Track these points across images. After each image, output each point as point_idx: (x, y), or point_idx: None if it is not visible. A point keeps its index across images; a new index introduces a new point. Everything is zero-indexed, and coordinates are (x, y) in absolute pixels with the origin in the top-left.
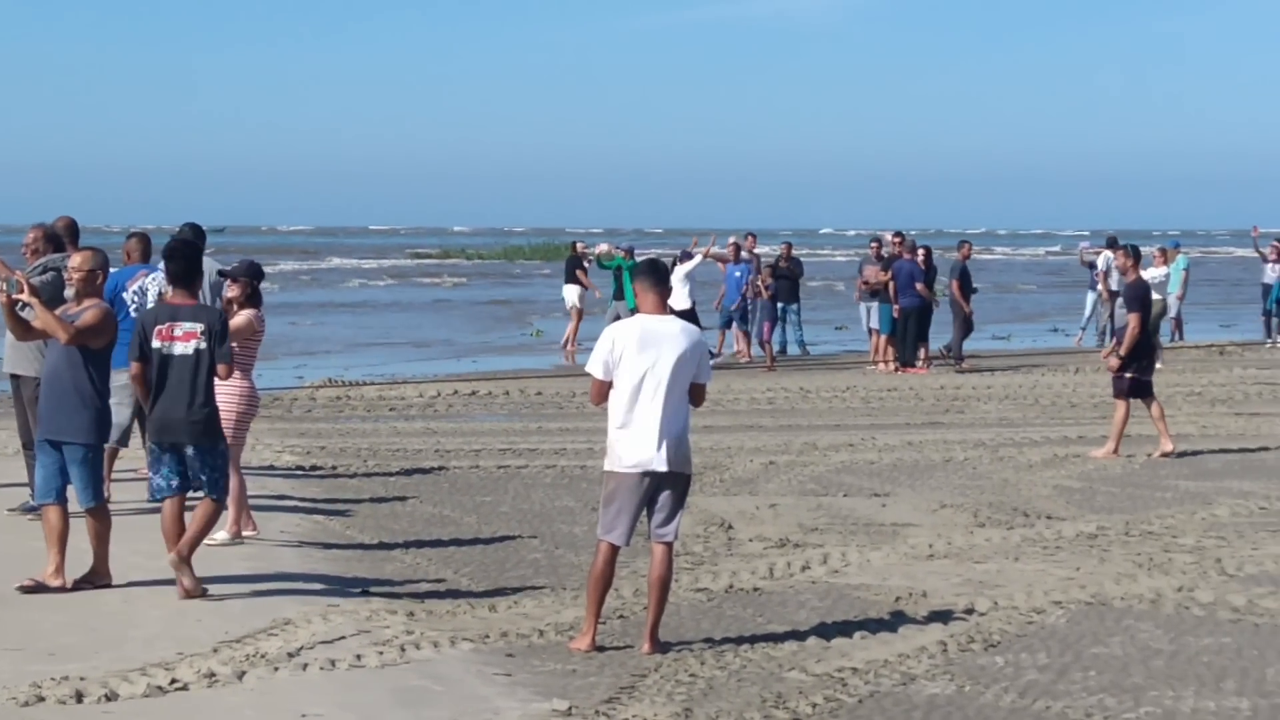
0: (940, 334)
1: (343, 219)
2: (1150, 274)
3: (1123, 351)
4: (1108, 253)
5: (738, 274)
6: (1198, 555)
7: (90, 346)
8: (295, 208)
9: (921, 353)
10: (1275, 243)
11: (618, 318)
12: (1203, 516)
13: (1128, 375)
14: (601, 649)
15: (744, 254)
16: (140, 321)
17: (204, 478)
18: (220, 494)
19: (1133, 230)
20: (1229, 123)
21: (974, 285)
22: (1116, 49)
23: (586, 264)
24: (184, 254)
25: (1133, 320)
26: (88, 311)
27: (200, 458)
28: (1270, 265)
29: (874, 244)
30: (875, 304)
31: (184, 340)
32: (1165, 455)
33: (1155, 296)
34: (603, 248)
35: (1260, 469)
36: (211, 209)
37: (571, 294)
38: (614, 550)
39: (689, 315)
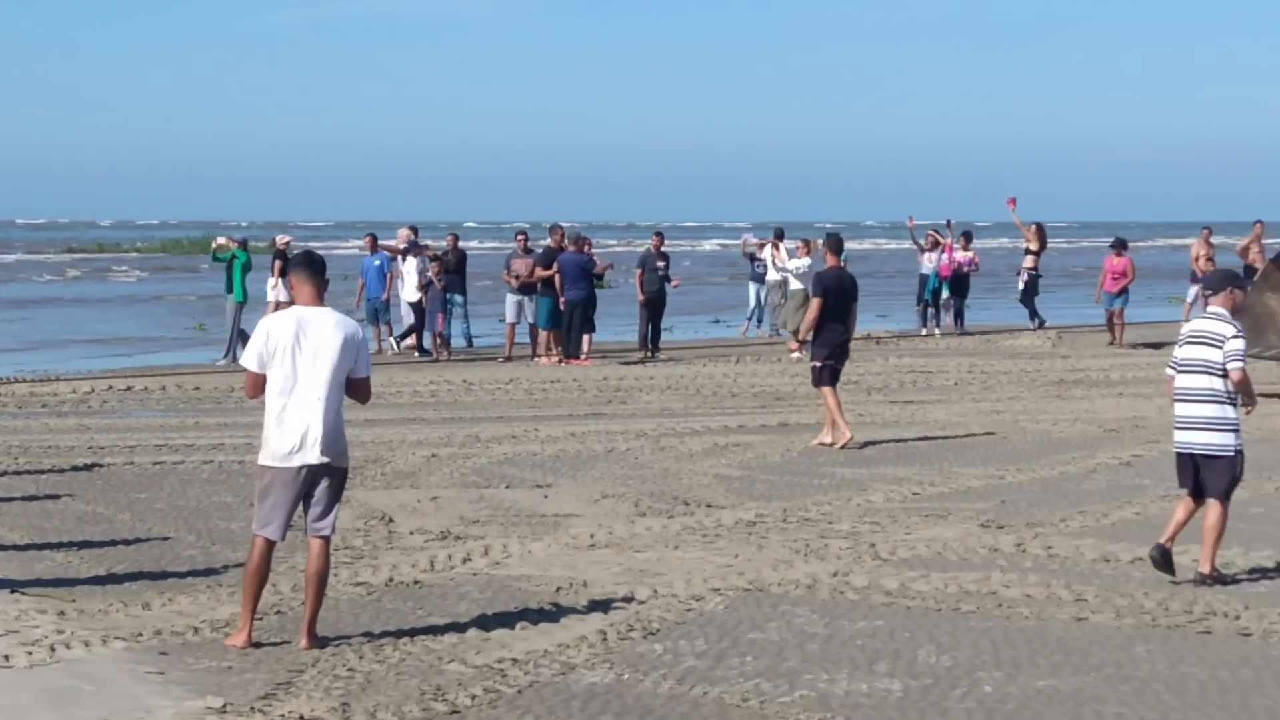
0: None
1: None
2: (794, 264)
3: (801, 335)
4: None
5: (376, 263)
6: (853, 541)
7: None
8: None
9: (585, 344)
10: (931, 233)
11: (237, 312)
12: (858, 503)
13: (819, 364)
14: (258, 645)
15: (403, 244)
16: None
17: None
18: None
19: (797, 222)
20: (876, 115)
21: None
22: (771, 40)
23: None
24: None
25: (813, 304)
26: None
27: None
28: (927, 256)
29: (520, 236)
30: (523, 298)
31: None
32: (825, 445)
33: (797, 286)
34: (220, 240)
35: (914, 456)
36: None
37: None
38: (270, 545)
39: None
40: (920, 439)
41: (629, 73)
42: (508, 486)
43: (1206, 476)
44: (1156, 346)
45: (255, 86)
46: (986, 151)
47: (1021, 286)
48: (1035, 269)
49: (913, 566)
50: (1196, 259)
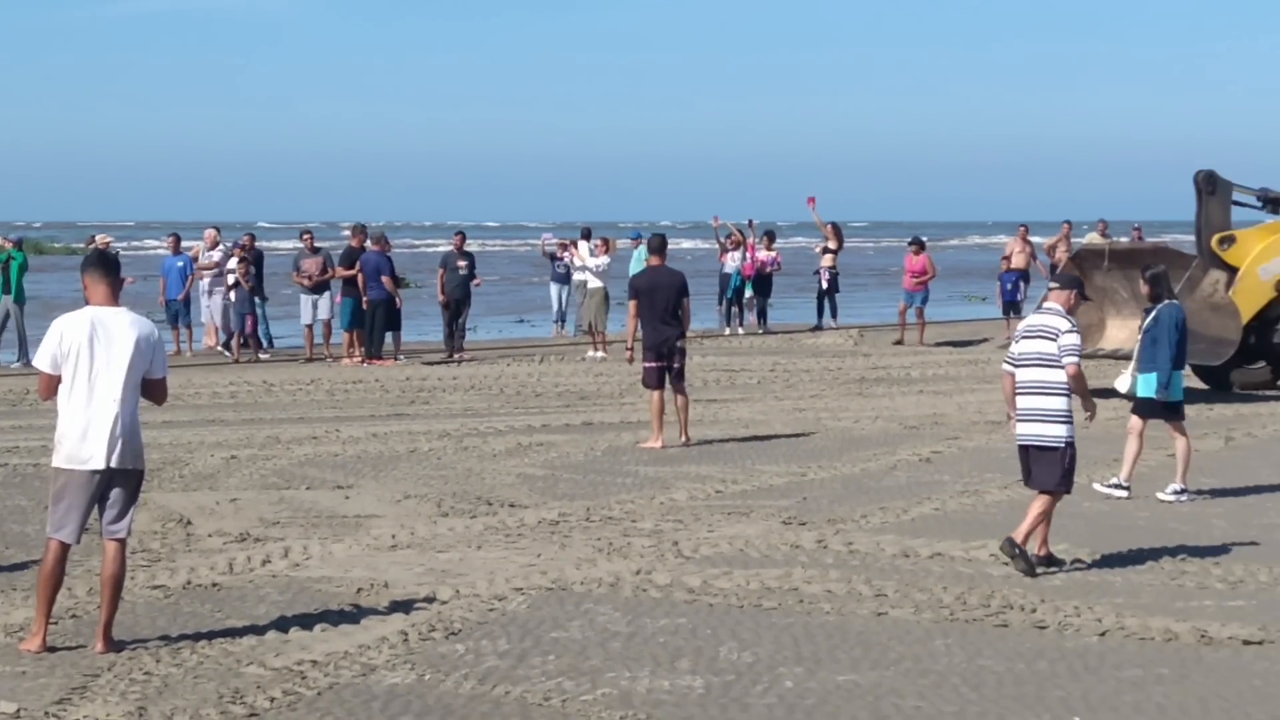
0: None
1: None
2: (594, 262)
3: (628, 343)
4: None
5: (179, 265)
6: (656, 539)
7: None
8: None
9: (392, 344)
10: (736, 233)
11: (7, 314)
12: (661, 501)
13: (647, 365)
14: (53, 649)
15: (210, 245)
16: None
17: None
18: None
19: (602, 222)
20: (676, 115)
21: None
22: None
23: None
24: None
25: (629, 307)
26: None
27: None
28: (730, 255)
29: (306, 235)
30: (316, 297)
31: None
32: (653, 447)
33: (596, 284)
34: None
35: (717, 454)
36: None
37: None
38: (64, 548)
39: None
40: (724, 439)
41: (429, 75)
42: (308, 488)
43: (1036, 468)
44: (960, 345)
45: (48, 81)
46: (787, 150)
47: (824, 285)
48: (834, 267)
49: (715, 564)
50: (1009, 256)
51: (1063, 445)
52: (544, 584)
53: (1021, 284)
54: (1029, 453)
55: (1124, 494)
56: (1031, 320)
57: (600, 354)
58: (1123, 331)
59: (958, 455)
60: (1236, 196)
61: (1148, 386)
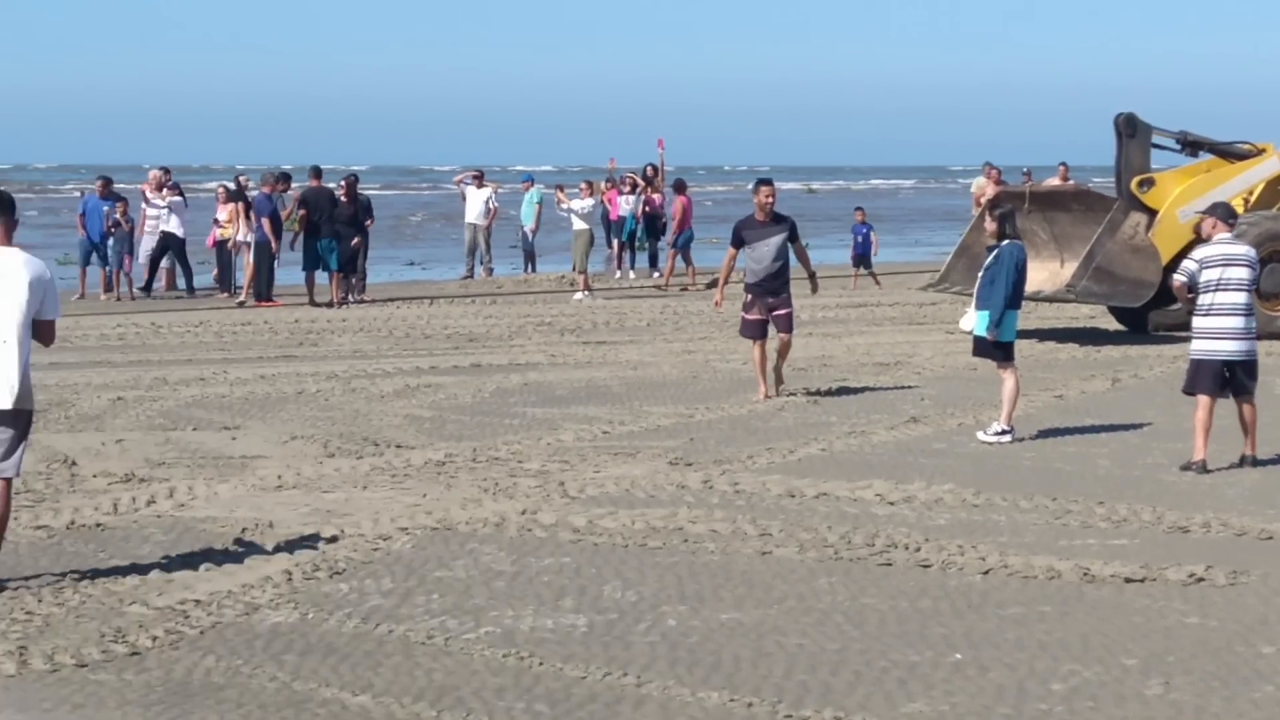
0: None
1: None
2: (578, 204)
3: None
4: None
5: (106, 208)
6: (542, 479)
7: None
8: None
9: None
10: (630, 175)
11: None
12: (548, 442)
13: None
14: None
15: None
16: None
17: None
18: None
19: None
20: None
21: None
22: None
23: None
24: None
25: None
26: None
27: None
28: (623, 199)
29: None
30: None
31: None
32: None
33: (582, 226)
34: None
35: (605, 395)
36: None
37: None
38: None
39: None
40: (611, 379)
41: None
42: (195, 429)
43: (1249, 380)
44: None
45: None
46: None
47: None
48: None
49: (601, 504)
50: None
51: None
52: (429, 524)
53: (873, 236)
54: (1238, 368)
55: (1008, 439)
56: (1223, 250)
57: (584, 295)
58: (1041, 273)
59: (844, 397)
60: (1156, 139)
61: (980, 324)
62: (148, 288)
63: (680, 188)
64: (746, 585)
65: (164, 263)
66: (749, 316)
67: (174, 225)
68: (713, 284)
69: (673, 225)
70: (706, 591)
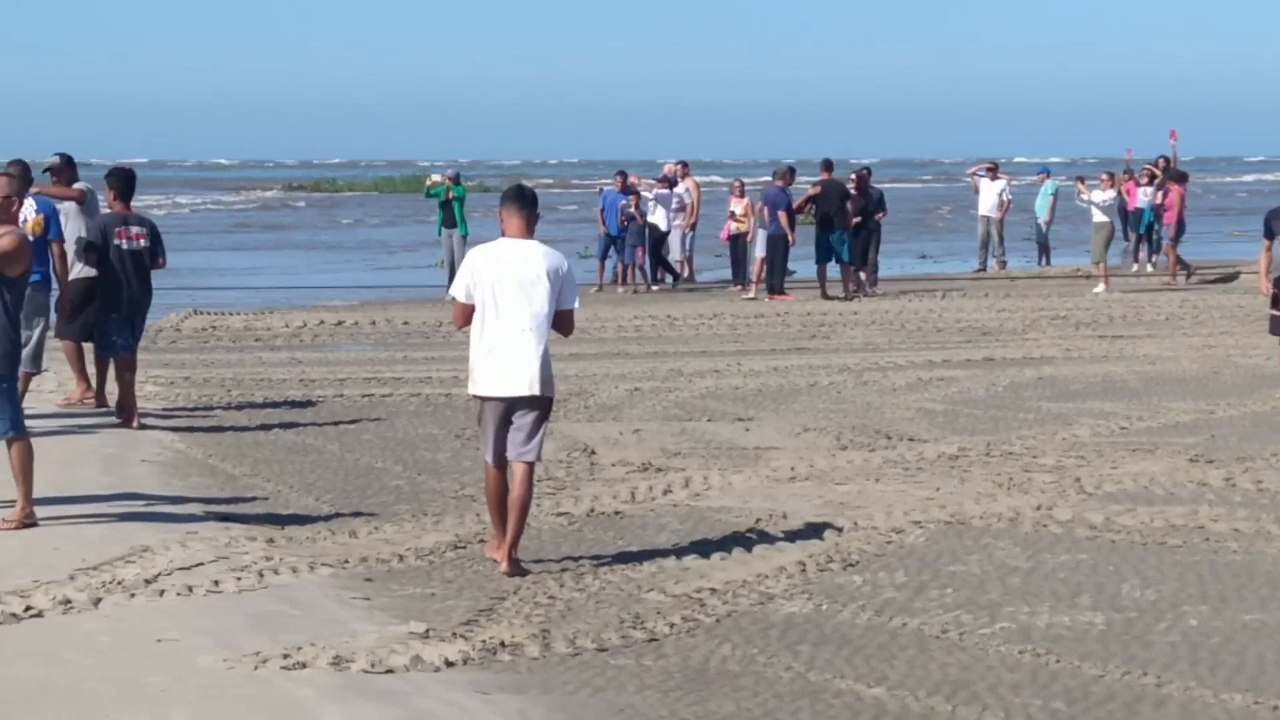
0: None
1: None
2: (1099, 197)
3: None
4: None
5: (623, 203)
6: (1057, 475)
7: (5, 274)
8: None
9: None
10: (1148, 167)
11: (453, 247)
12: (1063, 437)
13: None
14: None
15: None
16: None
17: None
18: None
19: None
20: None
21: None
22: None
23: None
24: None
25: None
26: (4, 238)
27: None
28: (1141, 190)
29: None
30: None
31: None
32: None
33: (1102, 219)
34: (434, 178)
35: (1122, 390)
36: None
37: None
38: (494, 468)
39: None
40: (1128, 374)
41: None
42: (709, 420)
43: None
44: None
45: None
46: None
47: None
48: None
49: (1118, 500)
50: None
51: None
52: (942, 518)
53: None
54: None
55: None
56: None
57: (1103, 289)
58: None
59: None
60: None
61: None
62: (675, 279)
63: (1179, 178)
64: (1271, 586)
65: (671, 254)
66: (1276, 312)
67: (658, 217)
68: (1224, 278)
69: (1168, 217)
70: (1229, 591)
